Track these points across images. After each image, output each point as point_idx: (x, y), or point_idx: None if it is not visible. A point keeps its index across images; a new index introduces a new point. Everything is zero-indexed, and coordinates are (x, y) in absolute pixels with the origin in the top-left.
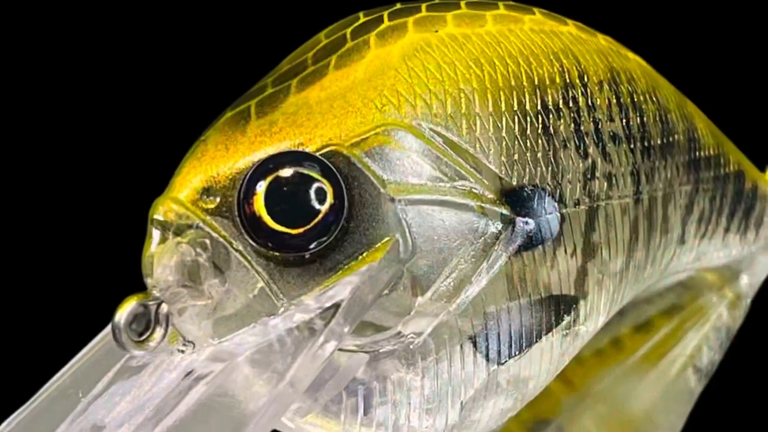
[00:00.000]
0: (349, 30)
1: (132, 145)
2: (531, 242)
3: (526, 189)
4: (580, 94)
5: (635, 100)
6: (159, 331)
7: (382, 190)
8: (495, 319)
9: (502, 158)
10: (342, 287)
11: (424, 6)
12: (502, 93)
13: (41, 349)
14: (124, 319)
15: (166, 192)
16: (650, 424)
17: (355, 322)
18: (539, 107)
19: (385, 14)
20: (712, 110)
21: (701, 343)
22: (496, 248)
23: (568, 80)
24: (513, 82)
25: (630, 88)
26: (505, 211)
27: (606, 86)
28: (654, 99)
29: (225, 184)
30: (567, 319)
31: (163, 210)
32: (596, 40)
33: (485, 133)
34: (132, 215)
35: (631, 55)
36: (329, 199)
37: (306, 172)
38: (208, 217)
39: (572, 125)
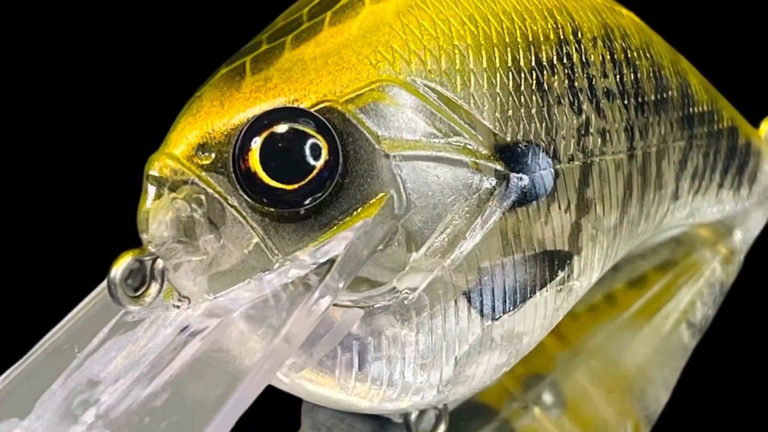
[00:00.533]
0: None
1: (128, 101)
2: (525, 198)
3: (520, 145)
4: (574, 50)
5: (629, 56)
6: (154, 287)
7: (376, 146)
8: (489, 274)
9: (497, 114)
10: (337, 243)
11: None
12: (496, 49)
13: (37, 306)
14: (120, 275)
15: (162, 148)
16: (644, 379)
17: (349, 278)
18: (533, 63)
19: None
20: (706, 66)
21: (695, 299)
22: (490, 204)
23: (562, 36)
24: (507, 39)
25: (624, 45)
26: (499, 167)
27: (600, 42)
28: (647, 55)
29: (220, 140)
30: (561, 274)
31: (158, 166)
32: None
33: (479, 90)
34: (127, 171)
35: (624, 11)
36: (324, 155)
37: (301, 128)
38: (203, 173)
39: (566, 81)
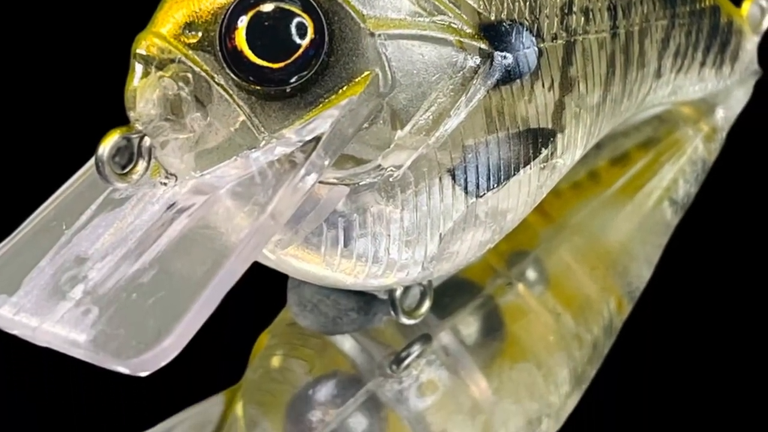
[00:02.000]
0: None
1: None
2: (509, 76)
3: (504, 24)
4: None
5: None
6: (141, 164)
7: (362, 24)
8: (473, 152)
9: None
10: (322, 121)
11: None
12: None
13: (24, 184)
14: (108, 152)
15: (149, 27)
16: (627, 256)
17: (335, 155)
18: None
19: None
20: None
21: (677, 176)
22: (474, 82)
23: None
24: None
25: None
26: (483, 46)
27: None
28: None
29: (207, 19)
30: (544, 152)
31: (145, 45)
32: None
33: None
34: (114, 51)
35: None
36: (309, 34)
37: (286, 6)
38: (190, 52)
39: None
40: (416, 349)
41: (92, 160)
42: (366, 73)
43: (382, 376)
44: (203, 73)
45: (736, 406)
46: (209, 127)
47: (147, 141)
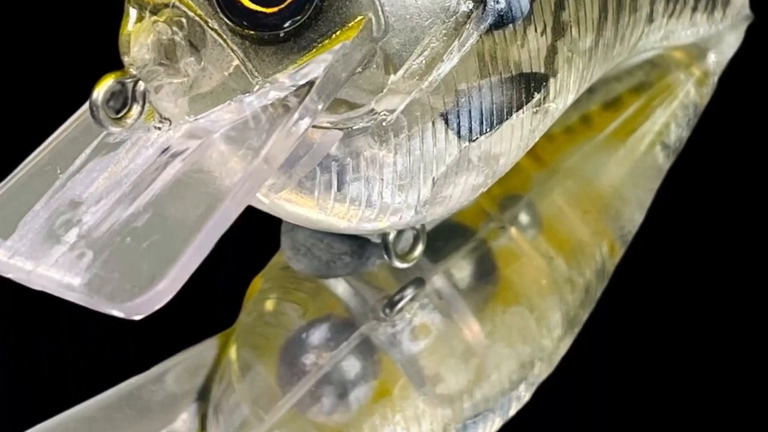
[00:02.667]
0: None
1: None
2: (502, 21)
3: None
4: None
5: None
6: (136, 109)
7: None
8: (466, 96)
9: None
10: (316, 65)
11: None
12: None
13: (18, 128)
14: (102, 97)
15: None
16: (619, 199)
17: (328, 100)
18: None
19: None
20: None
21: (669, 120)
22: (467, 27)
23: None
24: None
25: None
26: None
27: None
28: None
29: None
30: (537, 96)
31: None
32: None
33: None
34: None
35: None
36: None
37: None
38: None
39: None
40: (409, 293)
41: (86, 105)
42: (359, 17)
43: (376, 319)
44: (197, 18)
45: (727, 348)
46: (203, 71)
47: (141, 85)
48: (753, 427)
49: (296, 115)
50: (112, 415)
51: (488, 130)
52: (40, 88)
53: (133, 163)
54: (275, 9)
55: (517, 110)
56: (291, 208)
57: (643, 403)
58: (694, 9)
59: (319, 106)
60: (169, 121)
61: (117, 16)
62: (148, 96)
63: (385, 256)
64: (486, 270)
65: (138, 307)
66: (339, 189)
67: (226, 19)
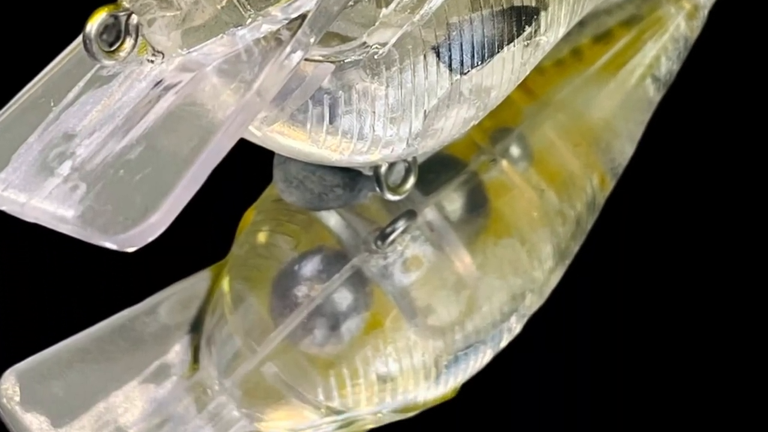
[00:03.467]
0: None
1: None
2: None
3: None
4: None
5: None
6: (129, 42)
7: None
8: (458, 29)
9: None
10: None
11: None
12: None
13: (11, 61)
14: (95, 30)
15: None
16: (610, 132)
17: (321, 33)
18: None
19: None
20: None
21: (660, 53)
22: None
23: None
24: None
25: None
26: None
27: None
28: None
29: None
30: (528, 29)
31: None
32: None
33: None
34: None
35: None
36: None
37: None
38: None
39: None
40: (401, 225)
41: (80, 38)
42: None
43: (367, 251)
44: None
45: (720, 284)
46: (196, 4)
47: (134, 18)
48: (745, 369)
49: (288, 48)
50: (106, 346)
51: (479, 63)
52: (33, 22)
53: (126, 96)
54: None
55: (508, 43)
56: (283, 141)
57: (632, 333)
58: None
59: (312, 39)
60: (162, 54)
61: None
62: (141, 29)
63: (377, 189)
64: (477, 202)
65: (131, 239)
66: (331, 122)
67: None
